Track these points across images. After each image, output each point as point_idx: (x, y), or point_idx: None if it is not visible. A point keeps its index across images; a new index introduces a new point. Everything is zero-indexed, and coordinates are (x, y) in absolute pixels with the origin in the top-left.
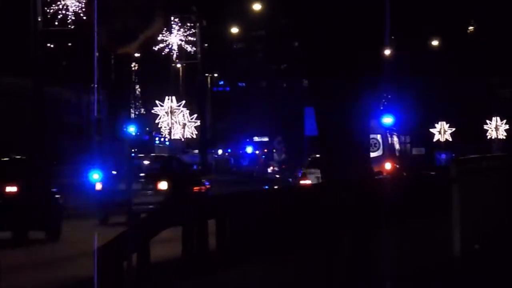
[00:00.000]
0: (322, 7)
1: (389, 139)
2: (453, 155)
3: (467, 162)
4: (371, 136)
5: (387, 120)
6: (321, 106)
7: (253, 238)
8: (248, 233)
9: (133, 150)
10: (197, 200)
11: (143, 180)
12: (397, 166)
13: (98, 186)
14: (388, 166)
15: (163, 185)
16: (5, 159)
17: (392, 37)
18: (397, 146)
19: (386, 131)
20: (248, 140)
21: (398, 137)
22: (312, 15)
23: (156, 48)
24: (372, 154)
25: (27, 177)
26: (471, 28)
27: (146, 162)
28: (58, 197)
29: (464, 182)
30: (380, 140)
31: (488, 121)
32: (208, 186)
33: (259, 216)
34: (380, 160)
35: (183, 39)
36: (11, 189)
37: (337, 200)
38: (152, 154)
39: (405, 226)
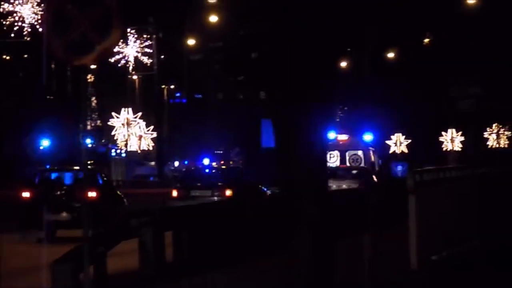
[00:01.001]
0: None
1: (371, 155)
2: (407, 166)
3: (424, 174)
4: (353, 152)
5: (368, 137)
6: (279, 119)
7: (210, 248)
8: (205, 244)
9: (89, 162)
10: (154, 212)
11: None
12: (375, 179)
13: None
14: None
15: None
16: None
17: (349, 49)
18: (375, 161)
19: (367, 147)
20: (204, 151)
21: (375, 152)
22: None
23: (112, 60)
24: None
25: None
26: (426, 40)
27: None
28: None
29: (420, 194)
30: (362, 156)
31: (443, 133)
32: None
33: (216, 228)
34: (360, 174)
35: (140, 50)
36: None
37: (293, 210)
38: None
39: (361, 238)
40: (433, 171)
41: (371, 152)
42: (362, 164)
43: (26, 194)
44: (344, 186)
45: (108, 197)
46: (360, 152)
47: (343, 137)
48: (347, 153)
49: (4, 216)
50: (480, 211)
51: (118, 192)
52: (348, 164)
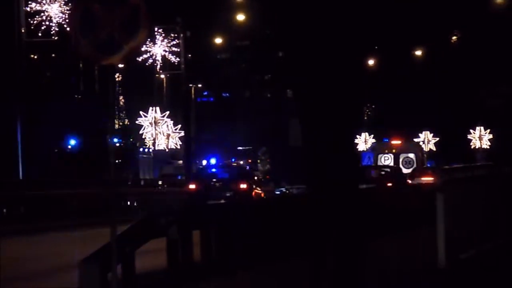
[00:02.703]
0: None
1: (422, 157)
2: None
3: (452, 172)
4: (405, 155)
5: (419, 141)
6: (306, 118)
7: (239, 248)
8: (234, 243)
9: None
10: (182, 211)
11: None
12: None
13: None
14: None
15: None
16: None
17: (376, 47)
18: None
19: (419, 150)
20: (232, 150)
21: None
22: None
23: (140, 59)
24: (406, 171)
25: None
26: (454, 37)
27: None
28: None
29: (448, 192)
30: (414, 158)
31: (472, 131)
32: None
33: (245, 226)
34: (412, 175)
35: (167, 49)
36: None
37: (322, 210)
38: None
39: (390, 236)
40: (461, 169)
41: (423, 155)
42: (414, 166)
43: (192, 186)
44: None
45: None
46: (412, 155)
47: (397, 141)
48: (400, 156)
49: None
50: (508, 209)
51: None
52: (401, 166)
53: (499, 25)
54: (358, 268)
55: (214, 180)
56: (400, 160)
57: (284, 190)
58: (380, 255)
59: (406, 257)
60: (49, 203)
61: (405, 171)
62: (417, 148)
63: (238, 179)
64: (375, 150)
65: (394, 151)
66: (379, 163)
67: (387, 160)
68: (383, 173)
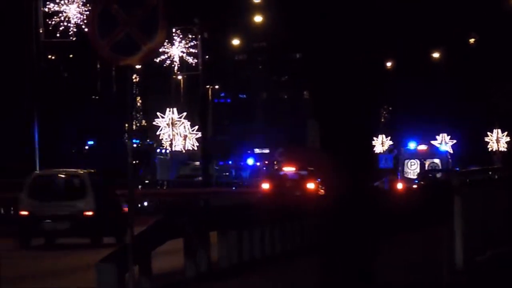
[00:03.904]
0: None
1: (449, 161)
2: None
3: (469, 174)
4: (431, 160)
5: (444, 147)
6: (324, 119)
7: (255, 248)
8: (250, 244)
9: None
10: (198, 212)
11: None
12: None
13: None
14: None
15: None
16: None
17: (393, 49)
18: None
19: (445, 155)
20: (249, 152)
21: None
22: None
23: (157, 60)
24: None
25: None
26: (472, 40)
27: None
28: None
29: (466, 194)
30: (439, 163)
31: (489, 133)
32: None
33: (260, 227)
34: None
35: (185, 50)
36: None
37: (338, 212)
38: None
39: (406, 238)
40: (478, 171)
41: (448, 160)
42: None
43: (266, 186)
44: None
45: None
46: (437, 160)
47: (423, 147)
48: (426, 161)
49: None
50: None
51: None
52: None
53: None
54: (371, 267)
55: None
56: (426, 164)
57: None
58: (395, 256)
59: (422, 258)
60: None
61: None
62: (443, 154)
63: (307, 180)
64: (402, 155)
65: (420, 157)
66: (406, 169)
67: (413, 165)
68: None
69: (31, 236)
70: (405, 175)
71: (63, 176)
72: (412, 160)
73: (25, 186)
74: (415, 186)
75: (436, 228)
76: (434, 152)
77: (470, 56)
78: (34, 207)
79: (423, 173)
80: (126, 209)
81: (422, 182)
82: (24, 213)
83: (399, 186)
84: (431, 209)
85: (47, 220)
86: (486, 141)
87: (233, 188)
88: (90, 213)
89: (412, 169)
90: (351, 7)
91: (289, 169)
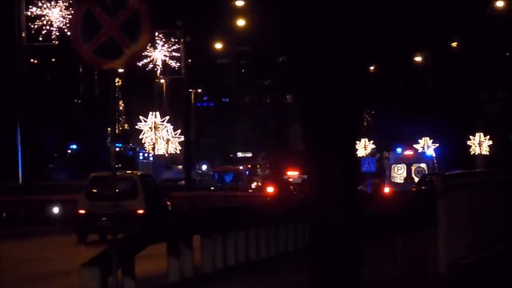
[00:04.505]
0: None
1: (435, 166)
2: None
3: (453, 178)
4: (417, 164)
5: (430, 152)
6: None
7: (238, 253)
8: (234, 248)
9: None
10: (182, 216)
11: None
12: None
13: None
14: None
15: None
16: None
17: (377, 53)
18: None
19: (431, 160)
20: (232, 155)
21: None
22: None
23: (140, 63)
24: (418, 179)
25: None
26: (454, 44)
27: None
28: None
29: (449, 198)
30: (426, 168)
31: (471, 137)
32: None
33: (243, 231)
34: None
35: (167, 54)
36: None
37: (321, 216)
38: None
39: (389, 241)
40: (461, 175)
41: (434, 164)
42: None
43: (270, 190)
44: None
45: None
46: (423, 165)
47: (409, 152)
48: (412, 166)
49: None
50: (508, 215)
51: None
52: (413, 175)
53: (498, 30)
54: (358, 270)
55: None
56: (413, 169)
57: None
58: (380, 258)
59: (406, 261)
60: (47, 207)
61: (417, 180)
62: (428, 158)
63: None
64: (389, 160)
65: (406, 161)
66: (393, 173)
67: (400, 170)
68: None
69: (87, 232)
70: (392, 180)
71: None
72: (399, 165)
73: (82, 187)
74: (414, 189)
75: (422, 231)
76: (420, 156)
77: (452, 60)
78: (90, 206)
79: (420, 178)
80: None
81: (423, 188)
82: (82, 211)
83: (386, 190)
84: (418, 212)
85: (102, 218)
86: (468, 145)
87: (212, 189)
88: (141, 211)
89: (399, 173)
90: (341, 8)
91: (292, 173)
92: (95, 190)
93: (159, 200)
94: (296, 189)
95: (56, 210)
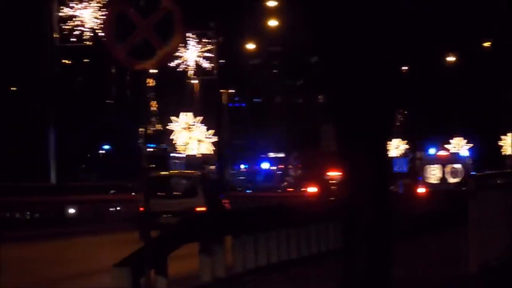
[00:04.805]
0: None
1: (470, 167)
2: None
3: (484, 178)
4: (453, 166)
5: (465, 152)
6: (339, 123)
7: (270, 253)
8: (265, 249)
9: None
10: (215, 216)
11: None
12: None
13: None
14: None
15: None
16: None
17: (409, 53)
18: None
19: (466, 160)
20: (264, 156)
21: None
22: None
23: (172, 64)
24: (453, 180)
25: None
26: (486, 44)
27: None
28: None
29: (480, 198)
30: (462, 169)
31: (503, 137)
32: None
33: (276, 232)
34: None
35: (200, 55)
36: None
37: (351, 216)
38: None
39: (420, 241)
40: (493, 175)
41: (469, 165)
42: (462, 177)
43: (313, 189)
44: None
45: None
46: (458, 165)
47: (443, 153)
48: (447, 167)
49: None
50: None
51: None
52: (447, 176)
53: None
54: (387, 270)
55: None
56: (447, 170)
57: None
58: (412, 258)
59: (438, 261)
60: (81, 207)
61: (452, 180)
62: (463, 159)
63: None
64: (423, 161)
65: (441, 162)
66: (427, 174)
67: (434, 170)
68: None
69: (149, 229)
70: (426, 180)
71: (178, 177)
72: (433, 166)
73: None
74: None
75: (455, 231)
76: (455, 157)
77: (485, 60)
78: (153, 204)
79: (462, 179)
80: (227, 205)
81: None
82: (143, 209)
83: (420, 190)
84: (452, 212)
85: (164, 215)
86: (500, 145)
87: (239, 189)
88: (201, 208)
89: (433, 174)
90: (372, 8)
91: (334, 173)
92: (158, 189)
93: (217, 198)
94: (338, 189)
95: (77, 210)
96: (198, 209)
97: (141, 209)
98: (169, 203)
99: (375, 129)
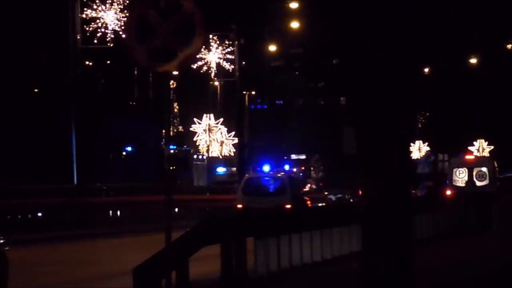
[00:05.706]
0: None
1: (496, 170)
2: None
3: (508, 180)
4: (478, 168)
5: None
6: (361, 125)
7: (297, 256)
8: (288, 251)
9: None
10: (235, 218)
11: None
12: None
13: None
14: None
15: None
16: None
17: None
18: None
19: (492, 163)
20: (285, 158)
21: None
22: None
23: (194, 66)
24: (480, 184)
25: None
26: (509, 45)
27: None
28: None
29: (504, 200)
30: (487, 172)
31: None
32: None
33: (302, 234)
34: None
35: (221, 57)
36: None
37: (370, 217)
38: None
39: (443, 244)
40: None
41: (495, 168)
42: (487, 179)
43: None
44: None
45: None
46: (485, 169)
47: (470, 156)
48: (474, 170)
49: None
50: None
51: None
52: (475, 179)
53: None
54: (409, 273)
55: None
56: (474, 173)
57: (340, 196)
58: (434, 260)
59: (460, 262)
60: (103, 209)
61: (478, 184)
62: (490, 162)
63: None
64: (451, 164)
65: (468, 165)
66: (454, 177)
67: (461, 173)
68: None
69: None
70: (454, 183)
71: (268, 177)
72: (460, 169)
73: (239, 186)
74: None
75: (479, 233)
76: (481, 160)
77: (506, 62)
78: (246, 201)
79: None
80: (309, 202)
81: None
82: (239, 206)
83: (448, 193)
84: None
85: None
86: None
87: None
88: (289, 205)
89: (461, 177)
90: (392, 11)
91: None
92: (250, 188)
93: (301, 197)
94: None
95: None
96: (285, 206)
97: (238, 205)
98: (262, 200)
99: (395, 131)
